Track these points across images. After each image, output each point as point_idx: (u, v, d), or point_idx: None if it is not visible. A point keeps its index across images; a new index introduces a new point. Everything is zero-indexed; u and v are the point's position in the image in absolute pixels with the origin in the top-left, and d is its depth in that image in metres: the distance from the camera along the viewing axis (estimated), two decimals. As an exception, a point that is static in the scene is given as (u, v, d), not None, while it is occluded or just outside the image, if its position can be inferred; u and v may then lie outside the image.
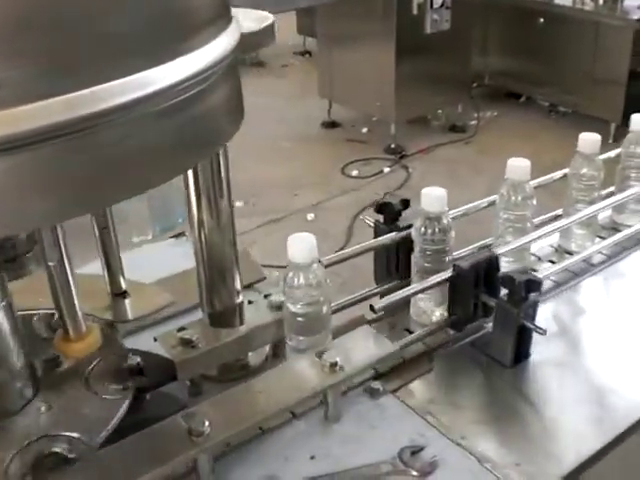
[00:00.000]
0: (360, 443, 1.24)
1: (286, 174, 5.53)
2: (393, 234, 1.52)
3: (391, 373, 1.39)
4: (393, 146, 5.84)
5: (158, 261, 1.76)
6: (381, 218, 1.59)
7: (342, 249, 4.93)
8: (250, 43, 1.10)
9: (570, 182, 1.79)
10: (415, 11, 5.41)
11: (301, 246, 1.29)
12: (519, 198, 1.60)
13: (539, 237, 1.65)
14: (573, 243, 1.82)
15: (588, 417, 1.32)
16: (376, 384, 1.34)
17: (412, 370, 1.40)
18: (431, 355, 1.44)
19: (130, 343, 1.38)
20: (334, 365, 1.22)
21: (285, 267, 1.31)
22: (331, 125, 6.40)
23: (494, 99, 6.77)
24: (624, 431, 1.28)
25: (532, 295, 1.35)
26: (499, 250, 1.54)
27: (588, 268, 1.76)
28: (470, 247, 1.73)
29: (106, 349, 1.20)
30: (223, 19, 0.83)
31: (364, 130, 6.28)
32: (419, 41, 5.56)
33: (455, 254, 1.56)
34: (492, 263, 1.42)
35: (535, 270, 1.67)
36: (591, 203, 1.76)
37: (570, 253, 1.79)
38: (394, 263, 1.56)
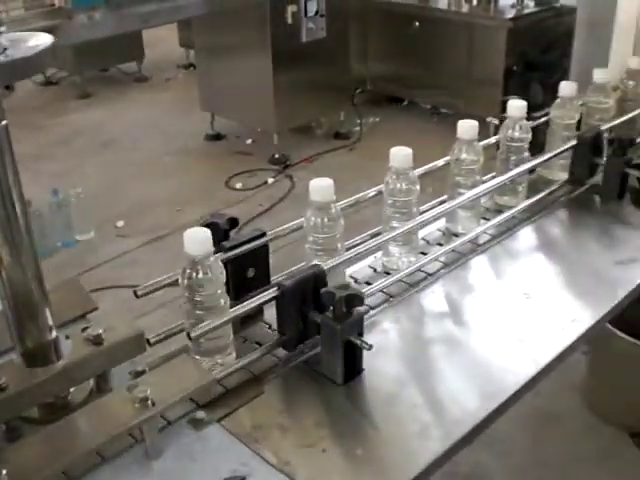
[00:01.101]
0: (180, 478, 1.20)
1: (169, 190, 5.43)
2: (219, 254, 1.48)
3: (219, 400, 1.35)
4: (277, 156, 5.80)
5: None
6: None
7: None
8: (26, 68, 1.05)
9: (452, 168, 1.87)
10: (290, 20, 5.40)
11: (197, 239, 1.35)
12: (403, 185, 1.67)
13: (424, 221, 1.72)
14: (459, 225, 1.91)
15: (420, 432, 1.31)
16: (200, 414, 1.30)
17: (242, 395, 1.36)
18: (262, 379, 1.41)
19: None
20: (145, 400, 1.17)
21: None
22: (215, 138, 6.31)
23: (377, 104, 6.82)
24: (454, 444, 1.28)
25: (356, 310, 1.33)
26: (387, 236, 1.67)
27: (474, 248, 1.86)
28: (360, 236, 1.81)
29: None
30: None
31: (249, 141, 6.22)
32: (296, 50, 5.54)
33: (347, 243, 1.66)
34: (318, 279, 1.40)
35: (424, 253, 1.79)
36: (473, 187, 1.84)
37: (457, 235, 1.88)
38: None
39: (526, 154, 2.00)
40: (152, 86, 7.89)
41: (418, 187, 1.69)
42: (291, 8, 5.38)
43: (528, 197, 2.03)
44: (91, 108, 7.14)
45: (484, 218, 1.96)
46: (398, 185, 1.67)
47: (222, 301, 1.38)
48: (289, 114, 5.74)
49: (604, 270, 1.79)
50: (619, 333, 2.89)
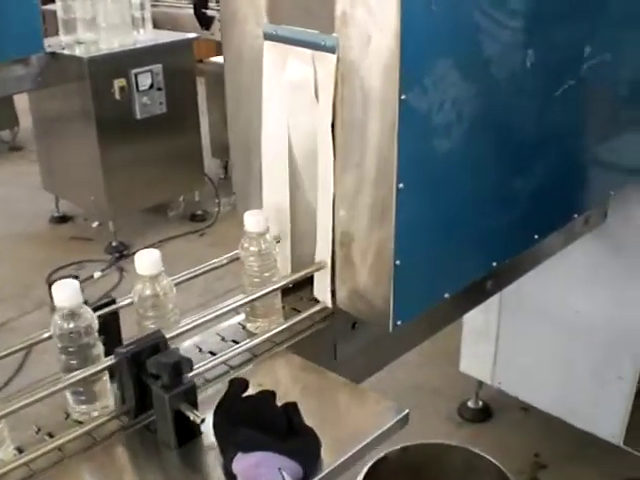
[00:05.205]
0: None
1: (-17, 286, 4.79)
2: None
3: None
4: (115, 244, 5.14)
5: None
6: None
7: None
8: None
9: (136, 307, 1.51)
10: (118, 96, 4.78)
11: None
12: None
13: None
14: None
15: None
16: None
17: None
18: None
19: None
20: None
21: None
22: (60, 220, 5.65)
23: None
24: None
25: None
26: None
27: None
28: None
29: None
30: None
31: (95, 224, 5.55)
32: (129, 127, 4.90)
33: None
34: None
35: None
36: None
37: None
38: None
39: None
40: (25, 156, 7.26)
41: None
42: (118, 82, 4.75)
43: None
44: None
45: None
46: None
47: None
48: (126, 197, 5.09)
49: None
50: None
